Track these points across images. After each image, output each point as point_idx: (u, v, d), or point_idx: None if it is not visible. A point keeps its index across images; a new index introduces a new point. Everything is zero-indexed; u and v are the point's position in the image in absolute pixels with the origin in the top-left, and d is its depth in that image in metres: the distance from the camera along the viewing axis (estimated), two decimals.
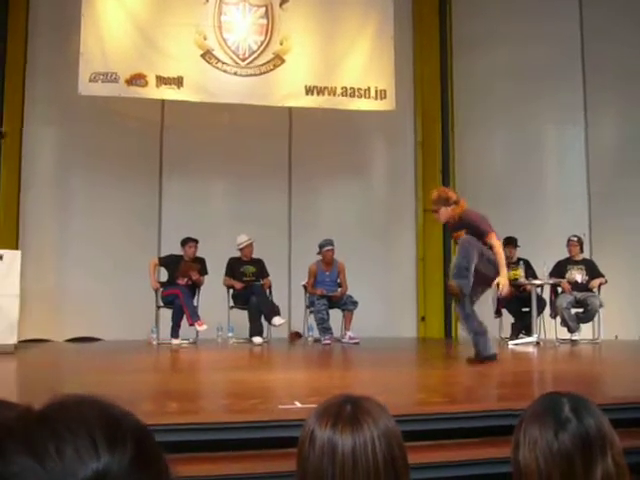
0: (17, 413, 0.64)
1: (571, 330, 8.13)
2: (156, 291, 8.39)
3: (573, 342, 8.03)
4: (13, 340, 6.91)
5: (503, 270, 5.56)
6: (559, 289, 8.39)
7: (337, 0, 8.99)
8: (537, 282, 8.03)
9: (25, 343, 7.73)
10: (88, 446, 0.60)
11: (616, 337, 8.64)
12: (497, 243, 5.61)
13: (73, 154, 9.19)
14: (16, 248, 8.00)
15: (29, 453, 0.58)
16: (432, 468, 2.89)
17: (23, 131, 8.70)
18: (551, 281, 8.14)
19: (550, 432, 1.33)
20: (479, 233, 5.58)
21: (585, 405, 1.38)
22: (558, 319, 8.18)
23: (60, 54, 8.73)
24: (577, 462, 1.30)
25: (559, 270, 8.34)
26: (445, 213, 5.75)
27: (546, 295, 8.51)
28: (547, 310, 8.35)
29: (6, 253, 7.10)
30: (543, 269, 8.00)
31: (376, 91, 8.95)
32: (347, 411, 1.25)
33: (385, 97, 8.96)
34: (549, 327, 8.25)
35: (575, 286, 8.27)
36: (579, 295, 8.21)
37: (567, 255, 8.49)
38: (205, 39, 8.59)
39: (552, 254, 8.37)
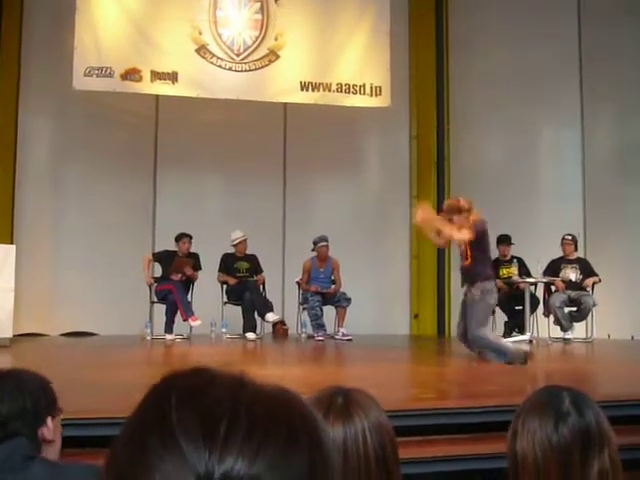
0: (229, 382, 0.61)
1: (564, 329, 8.15)
2: (150, 286, 8.38)
3: (566, 341, 8.05)
4: (8, 334, 6.91)
5: (446, 228, 5.83)
6: (553, 288, 8.41)
7: None
8: (531, 280, 8.05)
9: (20, 337, 7.72)
10: (253, 443, 0.55)
11: (609, 336, 8.67)
12: (463, 234, 5.77)
13: (68, 148, 9.17)
14: (11, 242, 7.98)
15: (203, 426, 0.56)
16: (423, 463, 2.90)
17: (18, 125, 8.66)
18: (545, 279, 8.16)
19: (550, 424, 1.33)
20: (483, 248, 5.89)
21: (585, 400, 1.39)
22: (551, 317, 8.20)
23: (55, 48, 8.70)
24: (575, 455, 1.31)
25: (553, 269, 8.36)
26: (459, 221, 5.82)
27: (539, 293, 8.52)
28: (540, 308, 8.37)
29: (1, 247, 7.09)
30: (537, 267, 8.02)
31: (371, 87, 8.95)
32: (338, 403, 1.26)
33: (380, 93, 8.97)
34: (542, 325, 8.28)
35: (569, 285, 8.29)
36: (573, 294, 8.23)
37: (561, 254, 8.51)
38: (200, 34, 8.57)
39: (546, 253, 8.39)
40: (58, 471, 1.63)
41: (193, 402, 0.58)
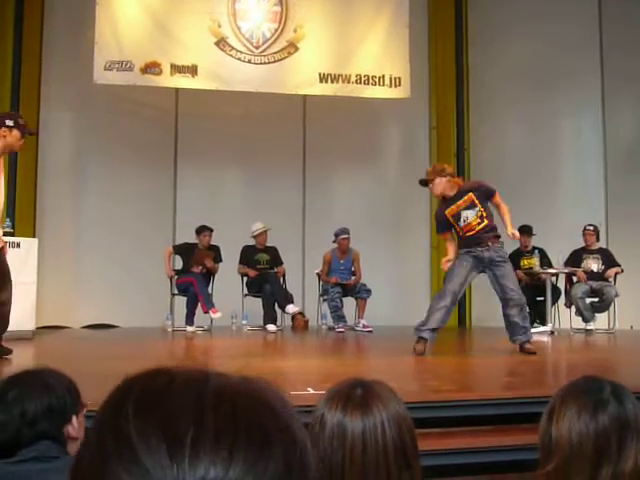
0: (190, 380, 0.56)
1: (586, 320, 8.09)
2: (171, 279, 8.44)
3: (588, 332, 7.99)
4: (31, 326, 7.00)
5: (509, 222, 5.64)
6: (574, 278, 8.35)
7: None
8: (552, 271, 8.00)
9: (43, 329, 7.81)
10: (225, 447, 0.51)
11: (631, 327, 8.59)
12: (506, 205, 5.67)
13: (89, 141, 9.25)
14: (33, 236, 8.07)
15: (166, 432, 0.51)
16: (444, 455, 2.90)
17: (40, 118, 8.74)
18: (566, 270, 8.10)
19: (589, 410, 1.33)
20: (486, 192, 5.59)
21: (625, 391, 1.40)
22: (573, 308, 8.14)
23: (76, 42, 8.77)
24: (612, 442, 1.31)
25: (575, 259, 8.29)
26: (440, 184, 5.58)
27: (561, 284, 8.47)
28: (562, 299, 8.32)
29: (23, 241, 7.17)
30: (558, 258, 7.96)
31: (391, 79, 8.91)
32: (357, 394, 1.27)
33: (400, 84, 8.93)
34: (564, 316, 8.22)
35: (590, 275, 8.22)
36: (594, 284, 8.16)
37: (583, 244, 8.44)
38: (219, 27, 8.59)
39: (568, 243, 8.33)
40: None
41: (151, 412, 0.53)
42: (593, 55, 9.50)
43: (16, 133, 5.08)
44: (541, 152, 9.60)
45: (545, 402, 1.45)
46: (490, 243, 5.48)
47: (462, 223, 5.55)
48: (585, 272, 8.21)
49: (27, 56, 8.83)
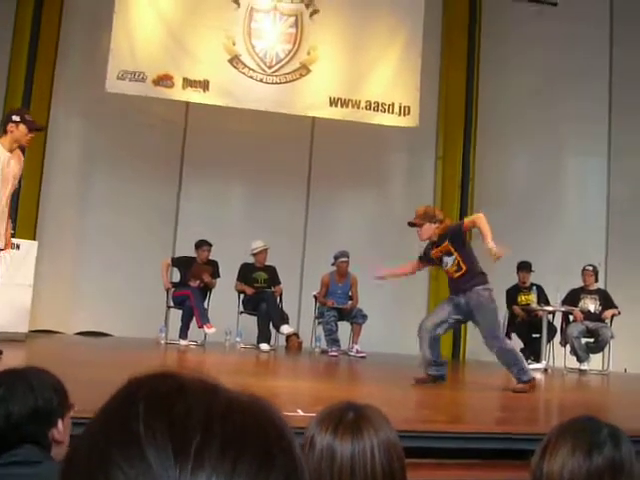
0: (202, 388, 0.57)
1: (580, 360, 8.06)
2: (167, 291, 8.42)
3: (582, 372, 7.96)
4: (24, 329, 6.97)
5: (491, 238, 5.32)
6: (571, 317, 8.33)
7: (367, 14, 9.02)
8: (549, 308, 7.98)
9: (36, 333, 7.78)
10: (230, 459, 0.51)
11: (625, 370, 8.55)
12: (478, 218, 5.49)
13: (96, 148, 9.28)
14: (33, 238, 8.07)
15: (172, 437, 0.51)
16: None
17: (49, 122, 8.77)
18: (563, 308, 8.09)
19: (585, 449, 1.31)
20: (457, 234, 5.47)
21: (622, 435, 1.38)
22: (568, 347, 8.11)
23: (90, 50, 8.83)
24: None
25: (572, 298, 8.28)
26: (428, 230, 5.54)
27: (557, 322, 8.44)
28: (557, 337, 8.29)
29: (23, 243, 7.17)
30: (556, 296, 7.95)
31: (400, 107, 8.96)
32: (349, 418, 1.25)
33: (409, 113, 8.97)
34: (558, 355, 8.18)
35: (587, 315, 8.20)
36: (591, 325, 8.14)
37: (581, 284, 8.43)
38: (234, 44, 8.65)
39: (566, 281, 8.31)
40: None
41: (162, 412, 0.53)
42: (602, 88, 9.55)
43: (22, 128, 5.13)
44: (545, 187, 9.64)
45: (536, 439, 1.44)
46: (468, 291, 5.41)
47: (444, 267, 5.60)
48: (582, 312, 8.19)
49: (41, 59, 8.88)
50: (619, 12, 9.67)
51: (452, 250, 5.48)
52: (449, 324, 5.59)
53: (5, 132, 5.16)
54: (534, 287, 8.30)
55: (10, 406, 1.66)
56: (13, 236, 6.74)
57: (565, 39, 9.50)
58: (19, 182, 5.55)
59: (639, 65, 9.29)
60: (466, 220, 5.54)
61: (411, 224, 5.71)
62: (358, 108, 8.91)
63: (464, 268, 5.42)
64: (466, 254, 5.49)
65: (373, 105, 8.93)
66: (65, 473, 0.54)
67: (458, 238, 5.48)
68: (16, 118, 5.16)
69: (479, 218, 5.45)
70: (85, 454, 0.53)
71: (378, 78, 9.02)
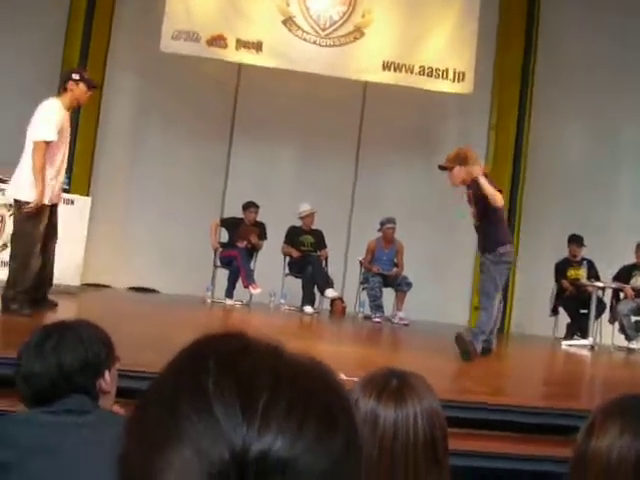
0: (265, 348, 0.58)
1: (629, 338, 7.91)
2: (215, 251, 8.54)
3: (630, 350, 7.81)
4: (77, 282, 7.17)
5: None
6: (621, 294, 8.16)
7: None
8: (599, 284, 7.82)
9: (88, 287, 7.99)
10: (296, 418, 0.52)
11: None
12: (498, 195, 5.10)
13: (149, 106, 9.36)
14: (87, 195, 8.23)
15: (239, 394, 0.53)
16: (471, 457, 2.88)
17: (104, 81, 8.86)
18: (614, 285, 7.92)
19: (633, 430, 1.27)
20: (476, 187, 5.11)
21: None
22: (616, 325, 7.97)
23: (146, 9, 8.85)
24: None
25: (624, 275, 8.11)
26: (459, 174, 5.18)
27: (607, 299, 8.29)
28: (606, 314, 8.14)
29: (77, 199, 7.34)
30: (607, 271, 7.78)
31: (454, 73, 8.78)
32: (392, 384, 1.26)
33: (463, 80, 8.79)
34: (606, 332, 8.04)
35: (638, 293, 8.03)
36: None
37: (634, 260, 8.24)
38: (288, 5, 8.57)
39: (619, 257, 8.14)
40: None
41: (231, 369, 0.54)
42: None
43: (82, 86, 5.24)
44: (601, 160, 9.39)
45: (579, 416, 1.41)
46: (481, 253, 5.25)
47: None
48: (633, 289, 8.01)
49: (98, 22, 8.94)
50: None
51: (472, 201, 5.25)
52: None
53: (65, 90, 5.26)
54: (585, 262, 8.14)
55: (62, 356, 1.71)
56: (68, 191, 6.91)
57: (628, 15, 9.14)
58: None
59: None
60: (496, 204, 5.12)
61: (441, 167, 5.43)
62: (411, 73, 8.77)
63: (478, 223, 5.22)
64: (483, 211, 5.20)
65: (427, 70, 8.78)
66: (135, 422, 0.56)
67: (483, 205, 5.15)
68: (76, 77, 5.26)
69: (500, 200, 5.12)
70: (155, 405, 0.55)
71: (433, 43, 8.85)
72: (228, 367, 0.55)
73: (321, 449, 0.52)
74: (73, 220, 6.85)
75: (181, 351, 0.59)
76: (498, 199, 5.07)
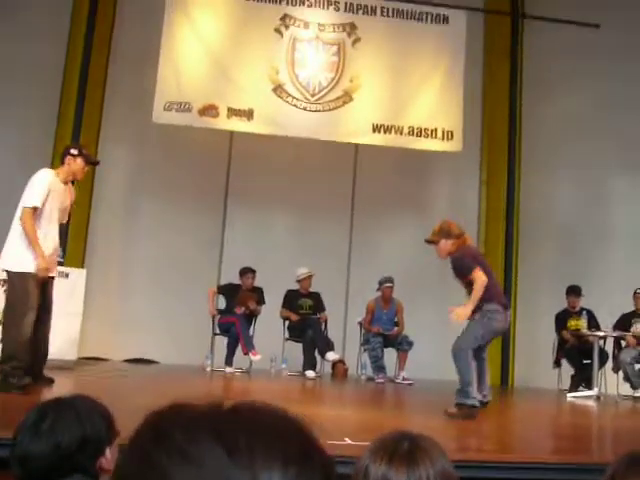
0: (209, 403, 0.63)
1: (634, 386, 7.83)
2: (213, 318, 8.48)
3: (636, 399, 7.72)
4: (73, 356, 7.08)
5: (470, 305, 5.09)
6: (623, 343, 8.12)
7: (409, 41, 9.06)
8: (600, 334, 7.78)
9: (85, 360, 7.89)
10: (279, 452, 0.57)
11: None
12: (479, 279, 5.11)
13: (143, 178, 9.46)
14: (82, 267, 8.22)
15: (218, 439, 0.57)
16: None
17: (98, 152, 8.98)
18: (615, 334, 7.88)
19: None
20: (463, 274, 5.19)
21: None
22: (620, 374, 7.90)
23: (138, 82, 9.04)
24: None
25: (624, 323, 8.08)
26: (445, 247, 5.30)
27: (609, 348, 8.23)
28: (609, 363, 8.07)
29: (72, 272, 7.32)
30: (607, 320, 7.76)
31: (443, 132, 8.94)
32: (404, 448, 1.23)
33: (452, 138, 8.94)
34: (611, 382, 7.96)
35: None
36: None
37: (633, 308, 8.22)
38: (277, 73, 8.76)
39: (618, 306, 8.12)
40: None
41: (202, 425, 0.58)
42: None
43: (80, 161, 5.30)
44: (592, 209, 9.49)
45: (588, 470, 1.39)
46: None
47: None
48: (635, 337, 7.97)
49: (91, 92, 9.13)
50: None
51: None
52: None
53: (62, 164, 5.33)
54: (584, 312, 8.12)
55: (59, 436, 1.65)
56: (62, 264, 6.89)
57: (609, 63, 9.40)
58: (69, 214, 5.68)
59: None
60: (473, 274, 5.15)
61: (428, 241, 5.51)
62: (401, 134, 8.91)
63: (469, 291, 5.24)
64: (469, 282, 5.23)
65: (416, 131, 8.93)
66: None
67: (461, 273, 5.23)
68: (74, 151, 5.34)
69: (480, 282, 5.11)
70: (136, 465, 0.58)
71: (421, 104, 9.03)
72: (198, 424, 0.59)
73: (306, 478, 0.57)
74: (68, 293, 6.83)
75: (138, 428, 0.62)
76: (479, 284, 5.10)
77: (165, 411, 0.62)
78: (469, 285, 5.20)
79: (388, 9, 9.07)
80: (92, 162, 5.63)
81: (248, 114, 8.61)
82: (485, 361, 5.39)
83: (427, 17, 9.11)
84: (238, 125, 8.71)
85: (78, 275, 7.40)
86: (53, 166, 5.48)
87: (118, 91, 9.33)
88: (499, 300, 5.26)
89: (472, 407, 4.96)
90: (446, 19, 9.09)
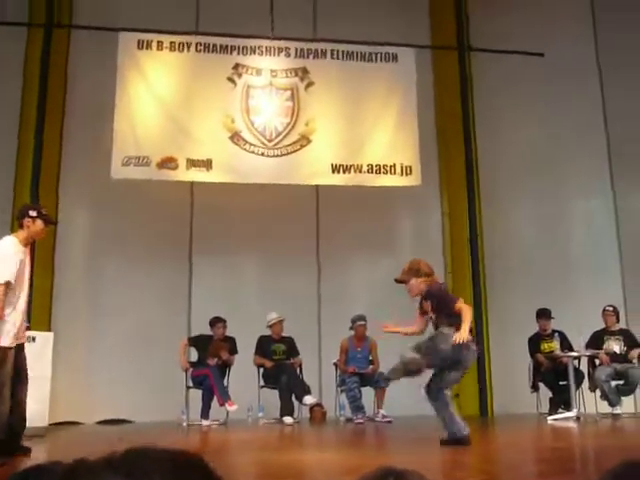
0: (103, 456, 0.71)
1: (612, 404, 7.87)
2: (186, 371, 8.34)
3: (615, 416, 7.75)
4: (44, 423, 6.87)
5: (465, 326, 4.99)
6: (597, 361, 8.17)
7: (361, 82, 9.23)
8: (574, 354, 7.84)
9: (56, 426, 7.67)
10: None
11: None
12: (466, 306, 5.14)
13: (105, 236, 9.36)
14: (49, 330, 8.05)
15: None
16: None
17: (58, 213, 8.88)
18: (588, 353, 7.94)
19: None
20: (447, 304, 5.17)
21: None
22: (597, 392, 7.93)
23: (94, 140, 9.02)
24: None
25: (596, 341, 8.15)
26: (415, 285, 5.29)
27: (584, 367, 8.28)
28: (586, 383, 8.11)
29: (39, 335, 7.15)
30: (579, 340, 7.82)
31: (401, 167, 9.06)
32: None
33: (410, 173, 9.06)
34: (589, 401, 7.99)
35: (613, 357, 8.06)
36: (618, 367, 7.98)
37: (603, 325, 8.30)
38: (233, 122, 8.83)
39: (588, 325, 8.20)
40: None
41: (102, 466, 0.70)
42: (599, 138, 9.66)
43: (39, 223, 5.19)
44: (554, 235, 9.64)
45: None
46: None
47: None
48: (607, 354, 8.04)
49: (47, 152, 9.09)
50: (605, 58, 9.88)
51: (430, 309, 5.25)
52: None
53: (21, 227, 5.19)
54: (556, 334, 8.18)
55: None
56: (29, 328, 6.73)
57: (557, 85, 9.67)
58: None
59: (629, 96, 9.42)
60: (457, 304, 5.13)
61: (398, 281, 5.48)
62: (360, 172, 9.01)
63: (436, 326, 5.24)
64: (440, 310, 5.23)
65: (375, 168, 9.04)
66: None
67: (445, 307, 5.19)
68: (33, 213, 5.21)
69: (468, 310, 5.13)
70: None
71: (377, 141, 9.15)
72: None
73: None
74: (36, 357, 6.64)
75: None
76: (468, 309, 5.13)
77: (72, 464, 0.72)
78: (448, 317, 5.17)
79: (338, 52, 9.24)
80: (51, 222, 5.54)
81: (207, 164, 8.64)
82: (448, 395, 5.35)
83: (377, 57, 9.31)
84: (197, 176, 8.72)
85: (45, 338, 7.23)
86: (12, 230, 5.35)
87: (74, 149, 9.29)
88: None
89: (464, 437, 4.97)
90: (395, 57, 9.30)
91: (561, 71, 9.70)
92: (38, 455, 5.34)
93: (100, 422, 8.60)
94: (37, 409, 6.63)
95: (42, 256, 8.70)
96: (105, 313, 9.18)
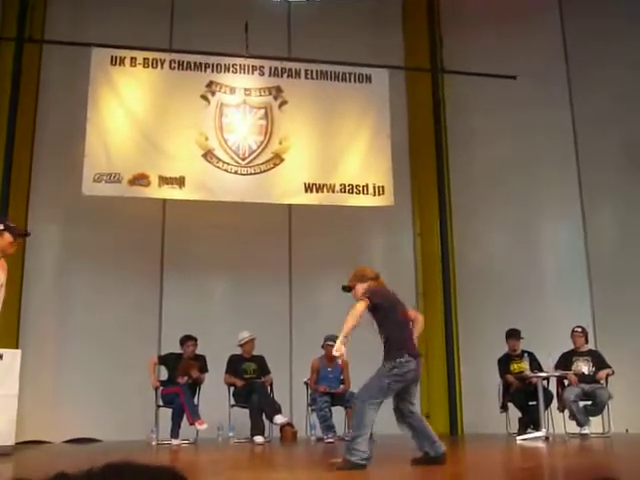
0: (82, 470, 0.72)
1: (580, 424, 7.94)
2: (156, 390, 8.26)
3: (583, 436, 7.82)
4: (11, 442, 6.73)
5: (342, 334, 5.03)
6: (566, 381, 8.25)
7: (334, 102, 9.30)
8: (543, 374, 7.91)
9: (23, 445, 7.53)
10: None
11: (627, 430, 8.43)
12: (357, 305, 5.11)
13: (75, 253, 9.27)
14: (16, 347, 7.93)
15: None
16: None
17: (27, 228, 8.76)
18: (557, 373, 8.02)
19: None
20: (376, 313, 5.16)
21: None
22: (566, 412, 8.00)
23: (65, 155, 8.96)
24: None
25: (565, 362, 8.23)
26: (360, 291, 5.26)
27: (552, 387, 8.36)
28: (554, 403, 8.18)
29: (6, 352, 7.03)
30: (548, 360, 7.90)
31: (374, 187, 9.12)
32: None
33: (383, 193, 9.13)
34: (558, 421, 8.06)
35: (582, 378, 8.14)
36: (587, 387, 8.07)
37: (572, 347, 8.40)
38: (206, 139, 8.83)
39: (557, 345, 8.29)
40: None
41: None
42: (570, 163, 9.83)
43: (7, 236, 5.10)
44: (525, 256, 9.76)
45: None
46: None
47: None
48: (576, 375, 8.12)
49: (17, 172, 8.96)
50: (575, 75, 10.08)
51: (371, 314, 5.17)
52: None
53: None
54: (525, 354, 8.25)
55: None
56: None
57: (527, 106, 9.84)
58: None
59: (600, 118, 9.62)
60: (358, 302, 5.14)
61: (344, 288, 5.47)
62: (333, 192, 9.04)
63: (382, 336, 5.26)
64: (380, 323, 5.21)
65: (348, 188, 9.09)
66: None
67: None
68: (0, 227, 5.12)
69: (353, 309, 5.12)
70: None
71: (350, 161, 9.21)
72: None
73: None
74: (3, 375, 6.54)
75: None
76: (355, 310, 5.10)
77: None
78: (380, 327, 5.21)
79: (312, 71, 9.31)
80: (21, 234, 5.42)
81: (179, 181, 8.61)
82: (416, 414, 5.33)
83: (350, 77, 9.39)
84: (170, 193, 8.69)
85: (13, 356, 7.10)
86: None
87: (45, 165, 9.23)
88: (410, 351, 5.17)
89: (356, 465, 4.86)
90: (369, 78, 9.40)
91: (533, 94, 9.87)
92: (5, 474, 5.23)
93: (68, 441, 8.46)
94: (4, 428, 6.52)
95: (10, 271, 8.54)
96: (74, 330, 9.07)
